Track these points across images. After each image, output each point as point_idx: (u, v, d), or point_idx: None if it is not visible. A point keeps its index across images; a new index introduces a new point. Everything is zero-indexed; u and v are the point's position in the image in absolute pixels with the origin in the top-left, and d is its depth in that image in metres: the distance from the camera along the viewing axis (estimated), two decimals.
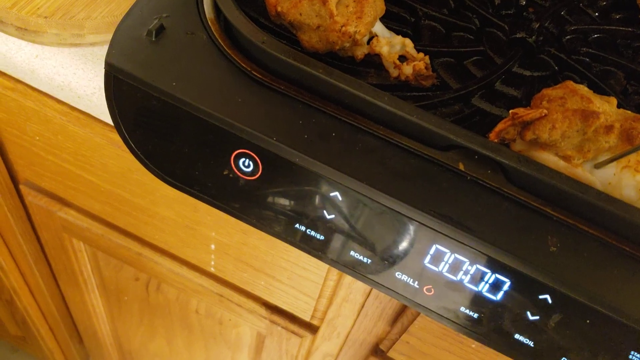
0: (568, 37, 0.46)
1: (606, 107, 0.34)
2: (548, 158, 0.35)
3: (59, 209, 0.71)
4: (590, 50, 0.45)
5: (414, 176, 0.34)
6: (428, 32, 0.44)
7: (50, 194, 0.70)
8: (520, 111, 0.34)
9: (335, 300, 0.61)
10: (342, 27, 0.37)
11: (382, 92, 0.34)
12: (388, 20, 0.43)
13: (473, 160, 0.34)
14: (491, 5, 0.47)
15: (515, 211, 0.34)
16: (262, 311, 0.69)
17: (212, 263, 0.64)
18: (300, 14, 0.37)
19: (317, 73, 0.34)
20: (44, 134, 0.59)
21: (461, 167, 0.34)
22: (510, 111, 0.34)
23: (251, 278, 0.63)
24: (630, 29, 0.47)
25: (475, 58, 0.43)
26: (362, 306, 0.60)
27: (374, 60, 0.41)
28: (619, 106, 0.41)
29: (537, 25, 0.45)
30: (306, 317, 0.65)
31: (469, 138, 0.34)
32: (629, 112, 0.35)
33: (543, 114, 0.34)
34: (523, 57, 0.44)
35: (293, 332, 0.69)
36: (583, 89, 0.36)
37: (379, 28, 0.40)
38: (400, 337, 0.57)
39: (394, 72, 0.39)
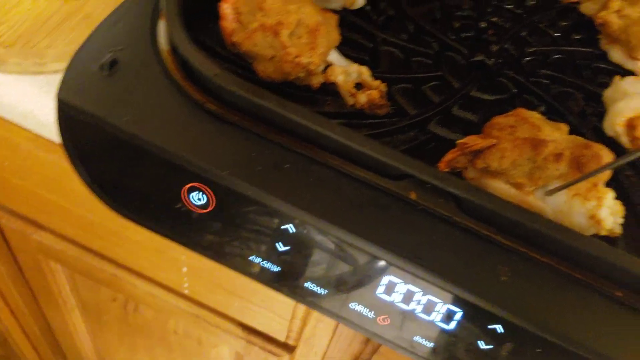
0: (528, 58, 0.47)
1: (556, 135, 0.35)
2: (499, 186, 0.35)
3: (33, 232, 0.71)
4: (548, 72, 0.45)
5: (367, 207, 0.34)
6: (386, 58, 0.44)
7: (23, 217, 0.70)
8: (470, 140, 0.34)
9: (310, 320, 0.61)
10: (295, 58, 0.37)
11: (334, 124, 0.34)
12: (347, 47, 0.44)
13: (425, 189, 0.34)
14: (451, 29, 0.47)
15: (466, 240, 0.34)
16: (239, 331, 0.68)
17: (186, 285, 0.64)
18: (254, 45, 0.37)
19: (269, 105, 0.35)
20: (13, 159, 0.58)
21: (413, 196, 0.34)
22: (458, 142, 0.35)
23: (225, 300, 0.63)
24: (589, 50, 0.47)
25: (433, 83, 0.43)
26: (337, 326, 0.59)
27: (331, 88, 0.41)
28: (573, 130, 0.41)
29: (496, 48, 0.45)
30: (281, 338, 0.65)
31: (419, 168, 0.34)
32: (580, 138, 0.36)
33: (492, 144, 0.34)
34: (482, 80, 0.44)
35: (270, 352, 0.69)
36: (534, 116, 0.36)
37: (334, 57, 0.40)
38: (371, 357, 0.57)
39: (350, 100, 0.39)
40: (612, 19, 0.45)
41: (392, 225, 0.34)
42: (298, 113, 0.35)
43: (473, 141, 0.34)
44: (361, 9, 0.45)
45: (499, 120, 0.36)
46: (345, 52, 0.43)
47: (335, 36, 0.39)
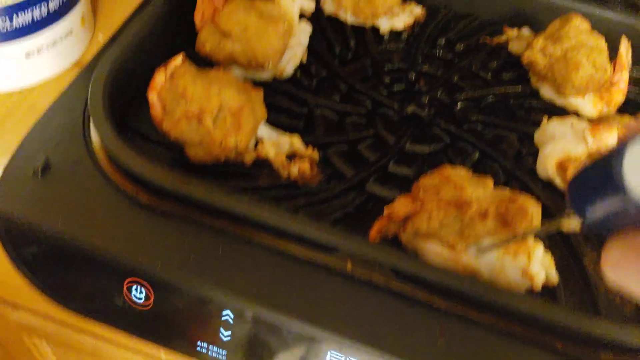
0: (460, 105, 0.47)
1: (479, 193, 0.35)
2: (433, 248, 0.36)
3: (10, 313, 0.71)
4: (481, 117, 0.46)
5: (302, 284, 0.34)
6: (321, 122, 0.45)
7: None
8: (396, 207, 0.35)
9: None
10: (222, 141, 0.38)
11: (262, 205, 0.35)
12: (282, 115, 0.45)
13: (360, 259, 0.35)
14: (382, 84, 0.48)
15: (404, 306, 0.34)
16: None
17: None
18: (181, 133, 0.38)
19: (196, 195, 0.35)
20: None
21: (349, 268, 0.35)
22: (385, 211, 0.35)
23: None
24: (521, 89, 0.48)
25: (368, 142, 0.44)
26: None
27: (267, 161, 0.42)
28: (509, 175, 0.42)
29: (426, 99, 0.46)
30: None
31: (349, 241, 0.34)
32: (506, 191, 0.36)
33: (417, 209, 0.35)
34: (415, 133, 0.45)
35: None
36: (458, 174, 0.36)
37: (264, 131, 0.41)
38: None
39: (284, 173, 0.40)
40: (537, 58, 0.46)
41: (329, 300, 0.34)
42: (225, 198, 0.35)
43: (399, 208, 0.35)
44: (292, 77, 0.46)
45: (424, 181, 0.36)
46: (280, 121, 0.44)
47: (261, 112, 0.40)
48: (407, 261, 0.34)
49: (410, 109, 0.46)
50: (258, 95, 0.40)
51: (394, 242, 0.38)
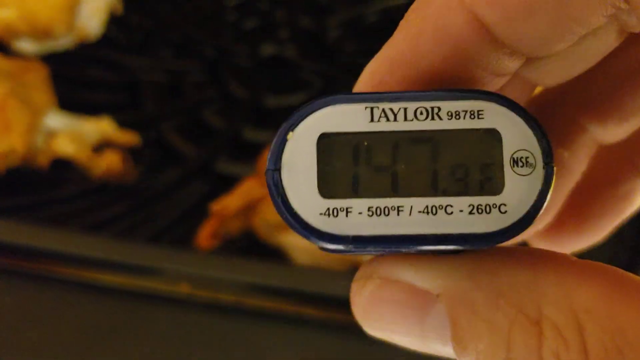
0: (333, 33, 0.36)
1: None
2: (294, 240, 0.26)
3: None
4: (364, 46, 0.35)
5: (122, 324, 0.25)
6: (150, 90, 0.34)
7: None
8: (225, 203, 0.25)
9: None
10: None
11: (42, 229, 0.25)
12: (95, 91, 0.34)
13: (196, 277, 0.25)
14: (227, 25, 0.36)
15: (262, 325, 0.25)
16: None
17: None
18: None
19: None
20: None
21: (186, 289, 0.26)
22: (213, 208, 0.25)
23: None
24: None
25: (215, 105, 0.33)
26: None
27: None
28: None
29: (287, 33, 0.35)
30: None
31: (169, 257, 0.25)
32: None
33: (257, 200, 0.25)
34: (276, 81, 0.34)
35: None
36: None
37: (57, 121, 0.30)
38: None
39: (96, 172, 0.30)
40: None
41: (159, 336, 0.25)
42: None
43: (230, 201, 0.25)
44: (104, 37, 0.35)
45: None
46: (94, 99, 0.33)
47: (44, 98, 0.29)
48: (247, 270, 0.24)
49: (267, 49, 0.35)
50: (37, 77, 0.29)
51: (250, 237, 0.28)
